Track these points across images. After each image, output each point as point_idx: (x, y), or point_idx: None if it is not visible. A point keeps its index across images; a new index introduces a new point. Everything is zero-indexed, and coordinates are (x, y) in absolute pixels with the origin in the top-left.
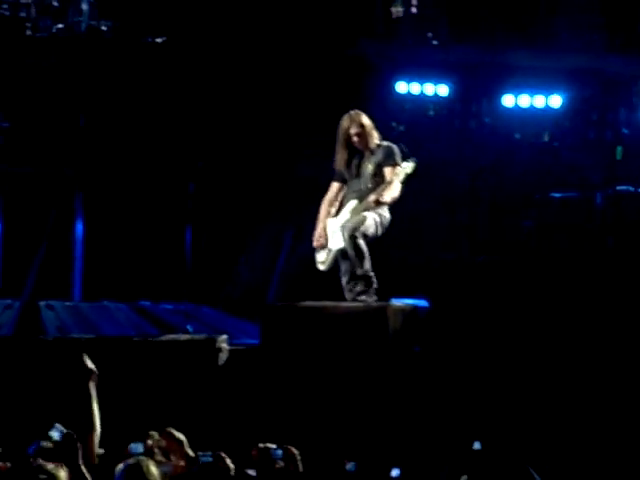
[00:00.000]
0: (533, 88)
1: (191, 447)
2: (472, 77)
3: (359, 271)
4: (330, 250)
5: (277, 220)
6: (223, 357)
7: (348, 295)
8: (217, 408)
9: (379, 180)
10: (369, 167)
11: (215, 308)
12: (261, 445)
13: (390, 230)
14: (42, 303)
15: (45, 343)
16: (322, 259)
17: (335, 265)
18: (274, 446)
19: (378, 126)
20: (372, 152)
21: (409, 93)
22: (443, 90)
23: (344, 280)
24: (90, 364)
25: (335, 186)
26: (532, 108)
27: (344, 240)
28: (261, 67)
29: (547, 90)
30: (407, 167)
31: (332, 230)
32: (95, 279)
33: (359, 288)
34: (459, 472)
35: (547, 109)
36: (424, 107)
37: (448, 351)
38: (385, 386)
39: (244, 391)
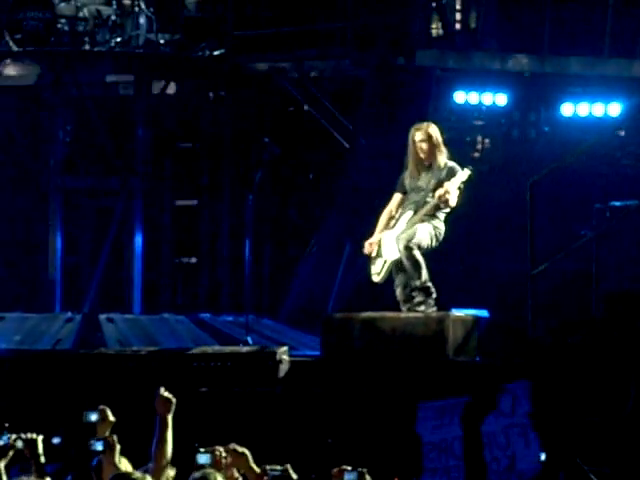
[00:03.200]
0: (592, 96)
1: (254, 460)
2: (530, 86)
3: (417, 282)
4: (385, 261)
5: (337, 233)
6: (284, 369)
7: (405, 306)
8: (278, 420)
9: (438, 196)
10: (431, 182)
11: (275, 320)
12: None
13: (452, 239)
14: (102, 316)
15: (106, 356)
16: (377, 270)
17: (390, 277)
18: (349, 468)
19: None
20: (438, 168)
21: (467, 102)
22: (501, 99)
23: (399, 291)
24: (167, 394)
25: (397, 197)
26: (591, 116)
27: (399, 251)
28: None
29: (606, 98)
30: (463, 175)
31: (388, 241)
32: (155, 292)
33: (418, 299)
34: None
35: (606, 117)
36: (482, 116)
37: (508, 361)
38: (445, 396)
39: (305, 403)
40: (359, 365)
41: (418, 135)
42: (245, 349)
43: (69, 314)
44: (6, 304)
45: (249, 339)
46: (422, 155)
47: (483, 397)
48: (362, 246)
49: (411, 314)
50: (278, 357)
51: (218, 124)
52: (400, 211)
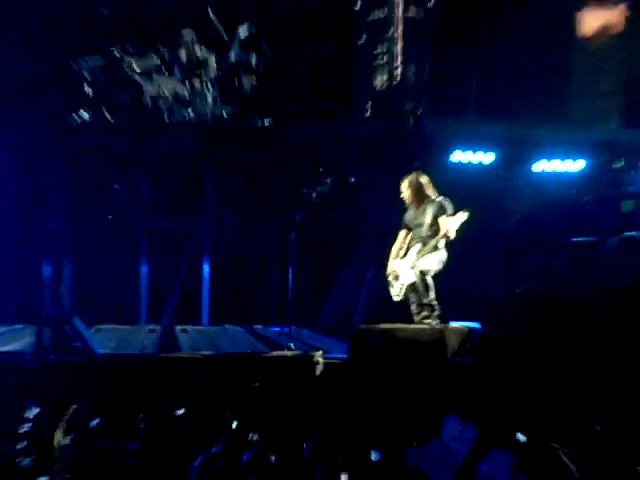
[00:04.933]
0: (560, 155)
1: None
2: (511, 148)
3: (425, 300)
4: (402, 285)
5: (361, 260)
6: (319, 369)
7: (416, 318)
8: (315, 408)
9: (435, 228)
10: (427, 217)
11: (313, 330)
12: None
13: (448, 266)
14: (178, 327)
15: (181, 359)
16: (396, 292)
17: (406, 297)
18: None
19: (436, 185)
20: (429, 205)
21: (460, 162)
22: (489, 158)
23: (413, 307)
24: None
25: (403, 232)
26: (558, 172)
27: (415, 276)
28: None
29: (571, 157)
30: (462, 217)
31: (403, 268)
32: (219, 308)
33: (425, 313)
34: None
35: (571, 173)
36: (474, 171)
37: (497, 364)
38: (444, 391)
39: (337, 396)
40: (378, 366)
41: (402, 186)
42: (289, 353)
43: (152, 326)
44: (102, 318)
45: (292, 345)
46: (407, 201)
47: None
48: (382, 271)
49: (419, 325)
50: (315, 359)
51: (268, 180)
52: (408, 244)
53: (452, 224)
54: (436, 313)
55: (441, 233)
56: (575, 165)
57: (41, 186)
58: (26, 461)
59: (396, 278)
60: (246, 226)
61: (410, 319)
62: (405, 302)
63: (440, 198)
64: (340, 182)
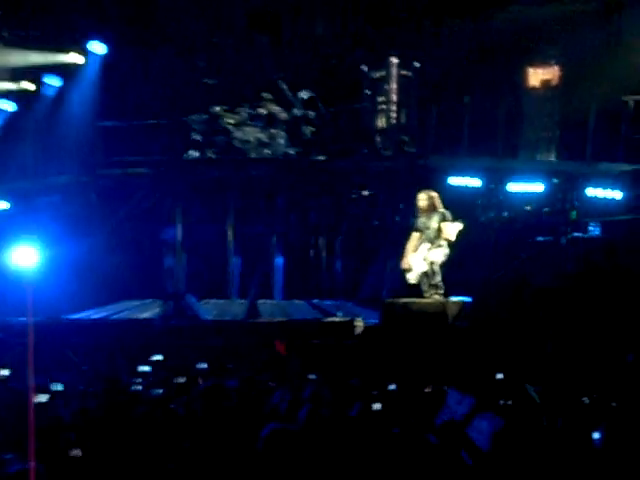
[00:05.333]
0: (526, 179)
1: (343, 381)
2: (492, 174)
3: (432, 282)
4: (416, 272)
5: (386, 254)
6: (358, 330)
7: (426, 295)
8: (355, 359)
9: (439, 232)
10: (434, 223)
11: (354, 302)
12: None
13: (450, 258)
14: (259, 301)
15: (261, 324)
16: (412, 277)
17: (420, 280)
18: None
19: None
20: (436, 214)
21: (455, 185)
22: (477, 182)
23: (425, 287)
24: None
25: (416, 234)
26: (525, 192)
27: (426, 265)
28: None
29: (533, 180)
30: (459, 226)
31: (416, 260)
32: (289, 287)
33: (432, 291)
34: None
35: (534, 192)
36: (466, 191)
37: (481, 326)
38: (448, 347)
39: (371, 349)
40: (401, 327)
41: (427, 199)
42: (337, 319)
43: (241, 300)
44: (208, 294)
45: (339, 313)
46: (428, 209)
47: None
48: (400, 262)
49: (429, 300)
50: (355, 324)
51: (321, 197)
52: (419, 242)
53: (452, 230)
54: (440, 291)
55: (443, 235)
56: (536, 187)
57: (163, 203)
58: (157, 391)
59: (410, 268)
60: (306, 229)
61: (420, 295)
62: (419, 284)
63: (443, 210)
64: (370, 199)
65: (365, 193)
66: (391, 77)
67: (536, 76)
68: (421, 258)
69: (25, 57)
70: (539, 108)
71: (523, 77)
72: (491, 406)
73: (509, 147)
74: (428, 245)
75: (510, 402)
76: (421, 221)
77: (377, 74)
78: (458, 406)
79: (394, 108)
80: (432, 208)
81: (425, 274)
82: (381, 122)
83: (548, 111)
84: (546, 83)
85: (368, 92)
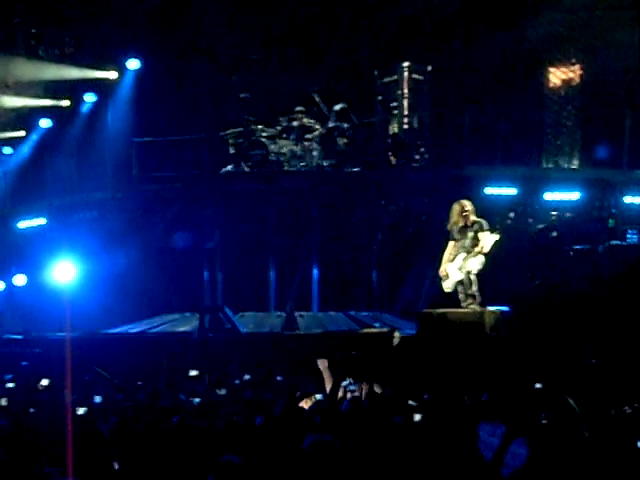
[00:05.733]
0: (561, 189)
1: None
2: (527, 182)
3: (469, 291)
4: (452, 281)
5: (422, 264)
6: (396, 341)
7: (463, 304)
8: (393, 367)
9: (476, 241)
10: (470, 233)
11: (391, 314)
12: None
13: (486, 267)
14: (297, 313)
15: (299, 336)
16: (447, 286)
17: (455, 289)
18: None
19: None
20: (472, 224)
21: (491, 194)
22: (513, 191)
23: (461, 297)
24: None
25: (452, 243)
26: (561, 200)
27: (463, 274)
28: None
29: (569, 189)
30: (495, 237)
31: (452, 269)
32: (325, 299)
33: (469, 301)
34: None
35: (569, 201)
36: (500, 201)
37: (519, 336)
38: (485, 354)
39: (408, 359)
40: (437, 338)
41: (463, 210)
42: (375, 330)
43: (278, 313)
44: (245, 307)
45: (377, 325)
46: (464, 219)
47: None
48: (436, 272)
49: (466, 310)
50: (393, 335)
51: (355, 208)
52: (455, 251)
53: (489, 240)
54: (477, 300)
55: (480, 245)
56: (572, 195)
57: (199, 217)
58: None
59: (447, 276)
60: (341, 241)
61: (457, 305)
62: (454, 294)
63: (480, 220)
64: (405, 210)
65: (400, 204)
66: (403, 81)
67: (558, 77)
68: (457, 267)
69: (60, 72)
70: (561, 111)
71: (547, 79)
72: (525, 429)
73: (540, 154)
74: (464, 254)
75: (548, 414)
76: (457, 231)
77: (388, 79)
78: (491, 438)
79: (406, 113)
80: (468, 218)
81: (461, 283)
82: (392, 127)
83: (571, 115)
84: (568, 83)
85: (380, 97)
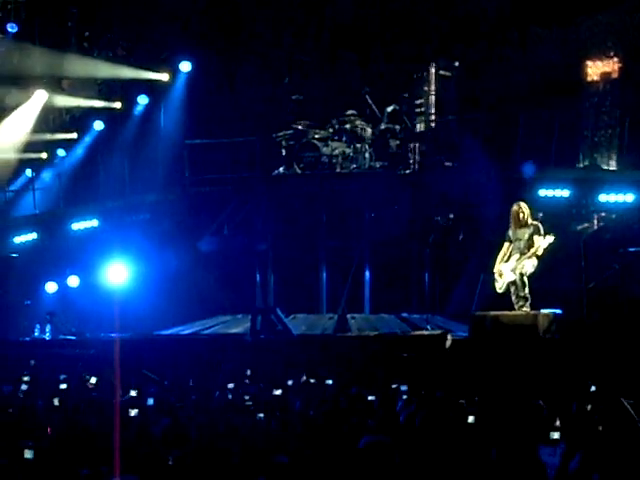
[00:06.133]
0: (616, 190)
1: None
2: (582, 184)
3: (522, 294)
4: (505, 281)
5: (474, 267)
6: (448, 343)
7: (516, 307)
8: (446, 367)
9: (531, 243)
10: (526, 235)
11: (443, 316)
12: None
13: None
14: (349, 315)
15: (351, 338)
16: (499, 286)
17: (507, 290)
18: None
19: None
20: (528, 226)
21: (545, 196)
22: (565, 193)
23: (513, 299)
24: None
25: (506, 244)
26: (616, 202)
27: (515, 276)
28: None
29: (623, 191)
30: (550, 239)
31: (506, 270)
32: (377, 301)
33: (522, 303)
34: None
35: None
36: (554, 202)
37: (573, 338)
38: (539, 360)
39: (460, 361)
40: (490, 340)
41: (520, 211)
42: (427, 333)
43: (330, 314)
44: (297, 309)
45: (429, 327)
46: (521, 221)
47: None
48: (489, 275)
49: (518, 312)
50: (445, 337)
51: (407, 211)
52: (510, 252)
53: (543, 243)
54: (529, 302)
55: (535, 248)
56: (627, 197)
57: (251, 218)
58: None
59: (500, 276)
60: (393, 242)
61: (510, 307)
62: (505, 296)
63: (536, 222)
64: (458, 211)
65: (453, 205)
66: (429, 77)
67: (596, 70)
68: (510, 268)
69: (113, 72)
70: (600, 108)
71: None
72: (584, 443)
73: (591, 155)
74: (517, 256)
75: (603, 419)
76: (512, 232)
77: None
78: (550, 457)
79: (432, 111)
80: (523, 219)
81: (513, 284)
82: (419, 126)
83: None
84: (607, 77)
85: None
